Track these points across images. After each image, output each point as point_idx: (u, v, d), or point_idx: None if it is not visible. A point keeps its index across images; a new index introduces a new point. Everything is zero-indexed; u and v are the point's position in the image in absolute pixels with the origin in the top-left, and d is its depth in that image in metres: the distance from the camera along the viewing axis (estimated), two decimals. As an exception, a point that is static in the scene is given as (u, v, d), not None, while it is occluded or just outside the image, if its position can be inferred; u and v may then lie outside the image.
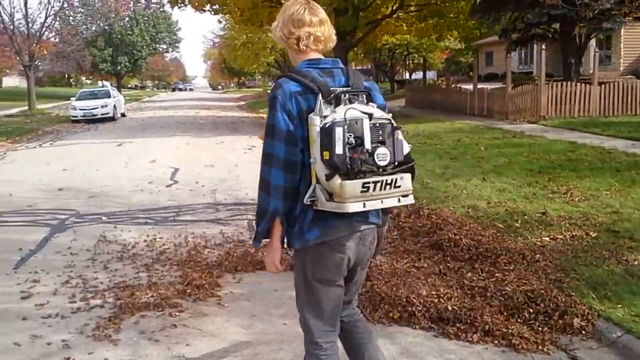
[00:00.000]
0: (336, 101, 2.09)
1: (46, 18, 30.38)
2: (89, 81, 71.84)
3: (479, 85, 19.31)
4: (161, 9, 58.49)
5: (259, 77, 74.70)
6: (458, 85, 22.22)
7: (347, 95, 2.11)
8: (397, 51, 34.89)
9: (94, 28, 51.10)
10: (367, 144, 2.01)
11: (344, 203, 2.01)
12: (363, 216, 2.18)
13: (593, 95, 15.77)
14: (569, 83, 16.05)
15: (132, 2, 53.51)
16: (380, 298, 4.11)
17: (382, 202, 2.07)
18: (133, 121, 24.70)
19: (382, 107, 2.19)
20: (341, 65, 2.28)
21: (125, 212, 7.20)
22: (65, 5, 32.46)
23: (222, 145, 14.44)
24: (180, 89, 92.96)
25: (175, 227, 6.35)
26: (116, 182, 9.34)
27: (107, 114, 24.52)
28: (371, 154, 2.00)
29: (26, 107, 30.23)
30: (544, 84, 15.68)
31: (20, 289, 4.55)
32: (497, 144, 11.57)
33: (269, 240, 2.24)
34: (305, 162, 2.12)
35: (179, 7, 21.78)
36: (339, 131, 1.98)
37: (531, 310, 3.78)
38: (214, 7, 21.48)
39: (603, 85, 15.92)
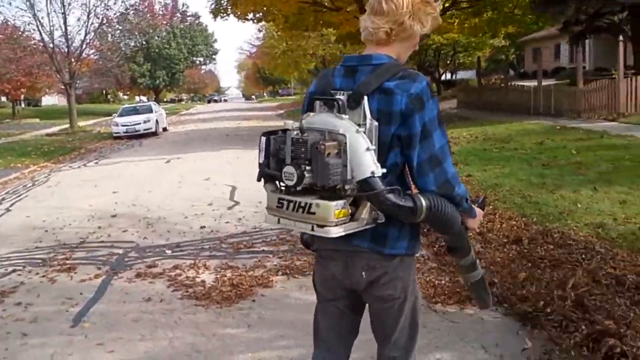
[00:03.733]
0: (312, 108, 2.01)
1: (86, 35, 30.18)
2: (126, 97, 72.40)
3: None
4: (197, 21, 58.45)
5: (295, 84, 74.07)
6: (517, 84, 20.92)
7: (320, 102, 1.98)
8: (442, 51, 33.68)
9: (132, 43, 51.21)
10: (287, 159, 1.91)
11: (266, 213, 2.03)
12: (343, 237, 1.90)
13: (678, 88, 14.35)
14: (650, 76, 14.65)
15: (169, 15, 53.54)
16: None
17: (295, 224, 1.92)
18: (176, 135, 24.13)
19: (384, 112, 1.87)
20: (375, 62, 1.95)
21: (190, 242, 6.30)
22: (105, 21, 32.19)
23: (275, 158, 13.51)
24: (216, 100, 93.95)
25: (250, 261, 5.40)
26: (173, 204, 8.48)
27: (150, 129, 24.03)
28: (279, 171, 1.91)
29: (67, 125, 30.00)
30: (622, 79, 14.32)
31: (84, 356, 3.65)
32: (587, 146, 10.36)
33: None
34: None
35: (222, 17, 21.12)
36: (262, 140, 1.98)
37: None
38: (257, 15, 20.75)
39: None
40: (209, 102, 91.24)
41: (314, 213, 1.85)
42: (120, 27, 42.31)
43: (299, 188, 1.87)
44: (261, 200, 8.34)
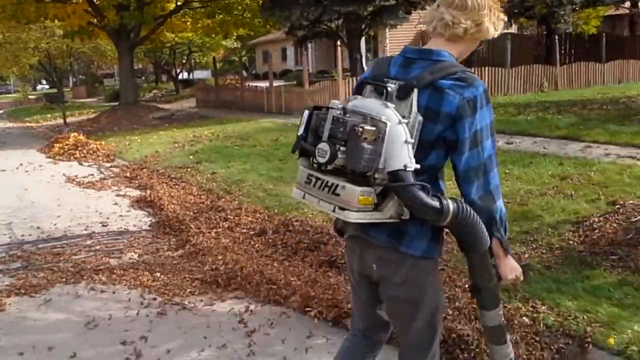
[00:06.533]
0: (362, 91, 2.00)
1: None
2: None
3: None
4: None
5: (15, 81, 66.03)
6: (251, 84, 21.90)
7: (371, 87, 1.96)
8: (178, 50, 33.50)
9: None
10: (324, 136, 1.87)
11: (294, 187, 2.01)
12: (362, 225, 1.89)
13: (384, 88, 16.56)
14: (363, 78, 16.64)
15: None
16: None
17: (319, 202, 1.89)
18: None
19: (432, 110, 1.84)
20: (435, 58, 1.91)
21: None
22: None
23: (-5, 164, 11.98)
24: None
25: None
26: None
27: None
28: (314, 146, 1.87)
29: None
30: (341, 80, 16.00)
31: None
32: (316, 141, 11.34)
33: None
34: None
35: None
36: (306, 114, 1.96)
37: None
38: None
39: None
40: None
41: (338, 195, 1.82)
42: None
43: (329, 167, 1.85)
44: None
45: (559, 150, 7.91)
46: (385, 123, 1.77)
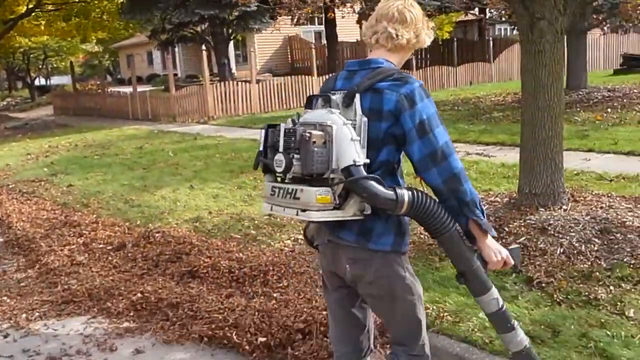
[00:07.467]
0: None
1: None
2: None
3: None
4: None
5: None
6: (115, 90, 20.91)
7: (321, 100, 2.11)
8: (32, 55, 31.20)
9: None
10: (280, 148, 2.02)
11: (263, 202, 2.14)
12: (333, 227, 2.07)
13: (253, 93, 16.56)
14: (231, 82, 16.52)
15: None
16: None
17: (284, 210, 2.03)
18: None
19: (375, 110, 1.99)
20: (373, 65, 2.09)
21: None
22: None
23: None
24: None
25: None
26: None
27: None
28: (272, 159, 2.02)
29: None
30: (209, 85, 15.76)
31: None
32: (182, 147, 11.08)
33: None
34: None
35: None
36: (262, 132, 2.11)
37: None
38: None
39: (261, 84, 16.86)
40: None
41: (298, 198, 1.94)
42: None
43: (288, 175, 1.97)
44: None
45: (415, 150, 8.35)
46: (331, 126, 1.94)
